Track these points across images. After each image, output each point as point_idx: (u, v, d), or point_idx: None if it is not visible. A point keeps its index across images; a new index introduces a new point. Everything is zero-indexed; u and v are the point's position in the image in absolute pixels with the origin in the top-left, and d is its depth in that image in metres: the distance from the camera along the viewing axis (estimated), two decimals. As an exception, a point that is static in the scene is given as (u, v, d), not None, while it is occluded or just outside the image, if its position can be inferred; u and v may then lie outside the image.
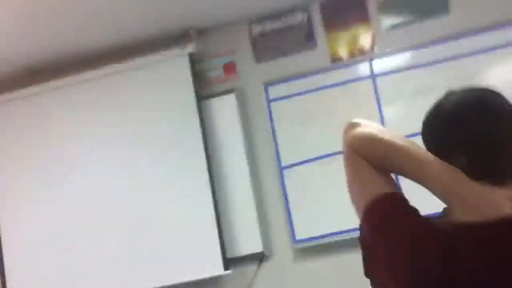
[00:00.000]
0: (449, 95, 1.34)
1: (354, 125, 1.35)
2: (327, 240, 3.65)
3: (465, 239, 1.16)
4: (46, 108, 4.16)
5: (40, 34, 3.77)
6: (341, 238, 3.59)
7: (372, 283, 1.31)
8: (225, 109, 3.96)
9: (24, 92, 4.16)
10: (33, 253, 4.02)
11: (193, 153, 3.85)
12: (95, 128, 4.04)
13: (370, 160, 1.28)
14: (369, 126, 1.33)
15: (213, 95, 4.01)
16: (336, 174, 3.51)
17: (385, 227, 1.22)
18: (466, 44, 3.61)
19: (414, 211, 1.25)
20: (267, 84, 3.93)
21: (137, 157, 3.96)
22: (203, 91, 4.00)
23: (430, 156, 1.27)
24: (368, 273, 1.32)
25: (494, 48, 3.55)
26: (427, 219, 1.24)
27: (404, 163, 1.26)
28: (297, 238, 3.73)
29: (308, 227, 3.72)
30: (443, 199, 1.25)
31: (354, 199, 1.32)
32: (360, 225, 1.30)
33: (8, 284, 4.02)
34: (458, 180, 1.22)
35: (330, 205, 3.64)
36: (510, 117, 1.26)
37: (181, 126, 3.91)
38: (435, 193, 1.25)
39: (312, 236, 3.70)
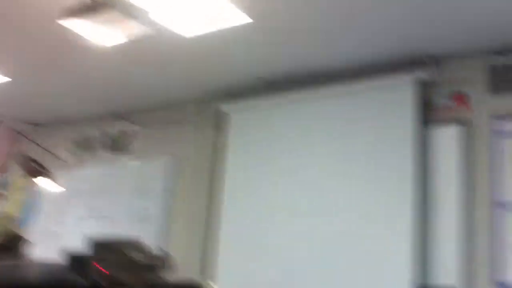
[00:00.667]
0: None
1: None
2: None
3: None
4: (274, 118, 4.55)
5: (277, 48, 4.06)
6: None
7: None
8: (448, 139, 3.87)
9: (259, 102, 4.61)
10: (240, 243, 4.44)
11: (403, 177, 3.84)
12: (316, 141, 4.29)
13: None
14: None
15: (438, 124, 3.93)
16: None
17: None
18: None
19: None
20: (500, 118, 3.74)
21: (348, 172, 4.09)
22: (429, 119, 3.95)
23: None
24: None
25: None
26: None
27: None
28: (505, 282, 3.48)
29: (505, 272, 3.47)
30: None
31: None
32: None
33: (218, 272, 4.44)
34: None
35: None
36: None
37: (398, 150, 3.92)
38: None
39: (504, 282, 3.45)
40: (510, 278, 3.46)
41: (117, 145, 5.77)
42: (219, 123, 4.90)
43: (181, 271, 3.88)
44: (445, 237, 3.72)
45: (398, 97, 4.00)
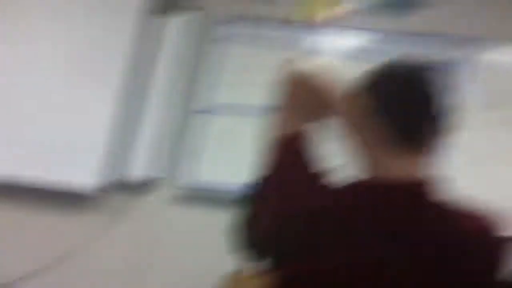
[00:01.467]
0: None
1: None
2: (205, 190, 3.48)
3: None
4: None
5: None
6: (222, 192, 3.37)
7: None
8: (171, 30, 3.73)
9: None
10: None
11: (115, 59, 3.59)
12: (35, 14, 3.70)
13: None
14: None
15: (164, 15, 3.74)
16: (243, 130, 3.44)
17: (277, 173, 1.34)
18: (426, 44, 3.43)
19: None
20: (216, 21, 3.72)
21: (60, 50, 3.63)
22: (158, 8, 3.73)
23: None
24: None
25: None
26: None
27: None
28: (180, 180, 3.53)
29: (196, 173, 3.53)
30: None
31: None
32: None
33: None
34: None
35: (230, 158, 3.46)
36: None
37: (116, 40, 3.62)
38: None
39: (194, 183, 3.51)
40: (204, 179, 3.49)
41: None
42: None
43: None
44: (152, 134, 3.59)
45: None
